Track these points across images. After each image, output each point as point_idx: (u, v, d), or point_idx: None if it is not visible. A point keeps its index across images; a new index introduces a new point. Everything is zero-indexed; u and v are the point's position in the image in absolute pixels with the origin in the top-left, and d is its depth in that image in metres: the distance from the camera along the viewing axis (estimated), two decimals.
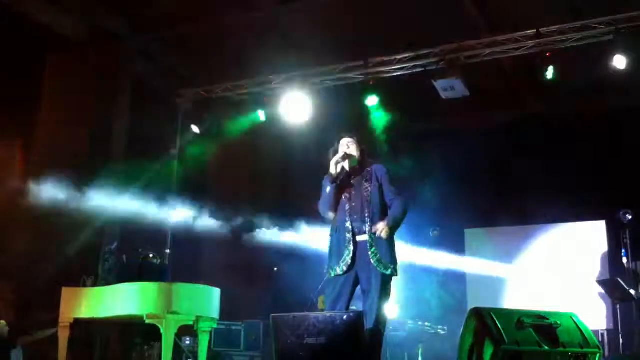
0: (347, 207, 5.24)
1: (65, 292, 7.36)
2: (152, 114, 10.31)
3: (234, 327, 9.55)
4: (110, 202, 9.05)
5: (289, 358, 5.26)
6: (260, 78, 10.47)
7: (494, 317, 4.52)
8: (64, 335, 7.21)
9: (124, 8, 9.59)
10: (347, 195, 5.28)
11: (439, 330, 9.01)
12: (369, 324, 5.00)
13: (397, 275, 5.17)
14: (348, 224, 5.19)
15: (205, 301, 6.85)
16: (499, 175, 10.75)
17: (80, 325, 7.34)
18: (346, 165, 5.31)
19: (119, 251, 8.54)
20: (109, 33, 9.90)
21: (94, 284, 7.54)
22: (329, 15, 9.44)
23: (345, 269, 5.15)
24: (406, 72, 9.67)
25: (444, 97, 9.53)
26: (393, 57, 9.66)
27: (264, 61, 10.20)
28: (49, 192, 8.71)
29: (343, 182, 5.32)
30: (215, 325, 7.19)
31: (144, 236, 9.18)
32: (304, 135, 10.67)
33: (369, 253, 5.11)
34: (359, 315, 5.75)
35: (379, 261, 5.08)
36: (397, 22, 9.29)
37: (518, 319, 4.56)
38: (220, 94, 10.87)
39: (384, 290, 5.11)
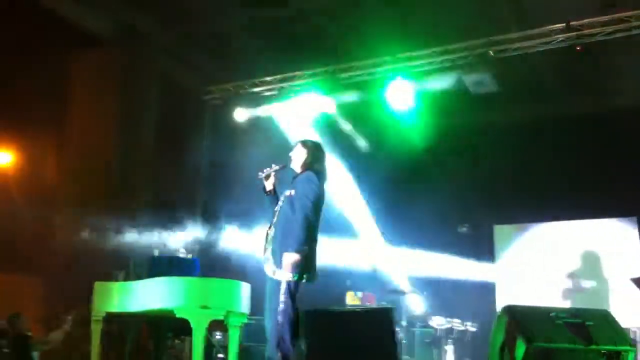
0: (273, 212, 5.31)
1: (97, 286, 7.44)
2: (180, 110, 10.39)
3: (263, 322, 9.56)
4: (140, 197, 9.15)
5: (319, 352, 5.30)
6: (286, 74, 10.52)
7: (525, 314, 4.50)
8: (96, 329, 7.28)
9: (152, 5, 9.64)
10: (281, 199, 5.31)
11: (468, 327, 8.96)
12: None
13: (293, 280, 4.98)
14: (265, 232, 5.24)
15: (235, 296, 6.87)
16: (529, 171, 10.62)
17: (112, 320, 7.42)
18: (267, 183, 5.37)
19: (150, 246, 8.60)
20: (137, 30, 9.98)
21: (126, 279, 7.62)
22: (357, 11, 9.41)
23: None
24: (435, 67, 9.63)
25: (473, 92, 9.47)
26: (421, 52, 9.62)
27: (292, 57, 10.22)
28: (81, 187, 8.83)
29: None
30: (245, 320, 7.20)
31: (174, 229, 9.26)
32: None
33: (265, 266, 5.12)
34: (389, 311, 5.78)
35: (273, 273, 5.05)
36: (425, 18, 9.23)
37: (550, 316, 4.52)
38: (248, 89, 10.93)
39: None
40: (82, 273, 8.47)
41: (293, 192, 5.17)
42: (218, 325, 7.21)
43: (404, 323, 8.43)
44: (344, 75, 10.15)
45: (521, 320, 4.45)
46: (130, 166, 9.45)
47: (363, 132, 11.22)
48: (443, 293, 10.02)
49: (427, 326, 8.78)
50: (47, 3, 9.01)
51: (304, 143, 5.41)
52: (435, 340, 8.66)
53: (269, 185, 5.40)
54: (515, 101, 10.72)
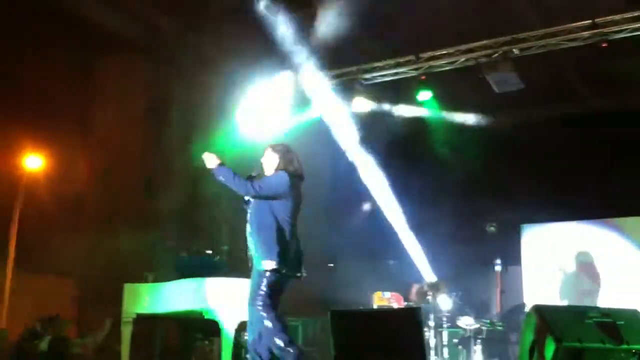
0: None
1: (127, 288, 7.54)
2: (205, 111, 10.46)
3: (291, 323, 9.62)
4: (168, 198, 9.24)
5: (347, 353, 5.32)
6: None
7: (555, 314, 4.48)
8: (126, 331, 7.39)
9: (175, 6, 9.69)
10: None
11: (497, 327, 8.90)
12: None
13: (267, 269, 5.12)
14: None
15: None
16: (557, 170, 10.55)
17: (142, 321, 7.51)
18: None
19: (179, 247, 8.70)
20: (161, 31, 10.05)
21: (155, 280, 7.71)
22: (379, 10, 9.39)
23: None
24: (458, 65, 9.60)
25: (497, 90, 9.43)
26: (444, 51, 9.60)
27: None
28: (110, 191, 8.94)
29: None
30: None
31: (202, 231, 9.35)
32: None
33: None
34: (416, 311, 5.79)
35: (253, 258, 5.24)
36: (448, 15, 9.20)
37: (580, 316, 4.49)
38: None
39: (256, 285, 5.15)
40: (113, 274, 8.60)
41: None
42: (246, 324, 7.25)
43: (431, 323, 8.41)
44: (367, 75, 10.15)
45: (551, 320, 4.43)
46: (157, 167, 9.54)
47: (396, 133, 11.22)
48: (472, 293, 10.00)
49: (455, 326, 8.75)
50: (73, 7, 9.11)
51: (273, 147, 5.51)
52: (464, 341, 8.63)
53: None
54: (540, 99, 10.65)
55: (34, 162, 9.23)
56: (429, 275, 9.90)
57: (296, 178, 5.38)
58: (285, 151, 5.46)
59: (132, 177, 9.54)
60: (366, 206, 11.74)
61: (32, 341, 7.23)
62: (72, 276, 9.84)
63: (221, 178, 5.22)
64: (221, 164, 5.22)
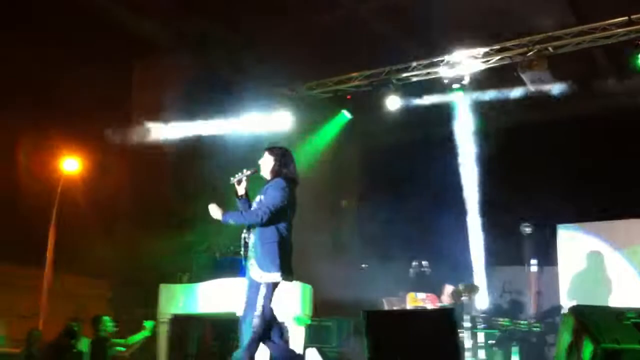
0: None
1: (163, 288, 7.62)
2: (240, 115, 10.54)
3: (325, 324, 9.65)
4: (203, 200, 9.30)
5: (381, 353, 5.31)
6: (341, 76, 10.58)
7: (592, 315, 4.41)
8: (162, 331, 7.47)
9: (210, 11, 9.77)
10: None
11: (533, 328, 8.81)
12: None
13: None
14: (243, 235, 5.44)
15: (298, 297, 6.95)
16: (592, 169, 10.40)
17: (178, 321, 7.58)
18: (239, 188, 5.54)
19: (212, 248, 8.77)
20: (196, 37, 10.14)
21: (189, 281, 7.78)
22: (412, 10, 9.37)
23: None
24: (492, 65, 9.53)
25: (532, 88, 9.34)
26: (479, 50, 9.54)
27: (346, 59, 10.26)
28: (145, 192, 9.04)
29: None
30: (308, 322, 7.28)
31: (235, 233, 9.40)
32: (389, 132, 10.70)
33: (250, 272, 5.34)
34: (451, 312, 5.75)
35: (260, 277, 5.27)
36: (481, 13, 9.14)
37: (618, 317, 4.42)
38: (305, 92, 11.02)
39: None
40: (148, 276, 8.71)
41: (262, 197, 5.39)
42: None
43: (467, 324, 8.35)
44: (402, 75, 10.14)
45: (588, 321, 4.37)
46: (192, 170, 9.62)
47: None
48: (506, 294, 9.92)
49: (491, 327, 8.68)
50: (111, 12, 9.24)
51: (271, 150, 5.62)
52: (500, 342, 8.56)
53: (240, 189, 5.59)
54: (576, 96, 10.50)
55: (71, 164, 9.36)
56: (473, 276, 9.91)
57: (292, 182, 5.50)
58: (281, 154, 5.59)
59: (165, 179, 9.63)
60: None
61: (69, 341, 7.32)
62: (108, 277, 9.97)
63: (231, 222, 5.38)
64: (225, 212, 5.36)
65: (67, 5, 8.53)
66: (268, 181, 5.50)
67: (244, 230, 5.43)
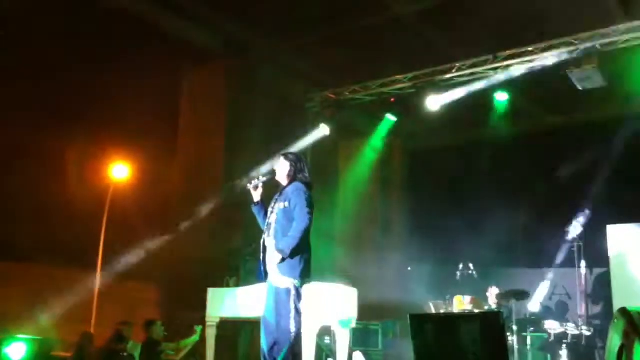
0: (266, 224, 5.50)
1: (211, 292, 7.71)
2: (283, 118, 10.60)
3: (371, 327, 9.63)
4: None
5: (427, 357, 5.28)
6: (384, 78, 10.56)
7: None
8: (211, 334, 7.55)
9: (255, 17, 9.85)
10: (271, 210, 5.50)
11: (583, 331, 8.64)
12: None
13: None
14: (262, 240, 5.44)
15: (343, 301, 6.95)
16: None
17: (226, 324, 7.66)
18: (255, 194, 5.58)
19: (258, 252, 8.82)
20: (241, 43, 10.24)
21: (237, 285, 7.84)
22: (454, 10, 9.29)
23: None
24: (539, 64, 9.38)
25: (580, 88, 9.18)
26: (524, 49, 9.41)
27: (390, 61, 10.24)
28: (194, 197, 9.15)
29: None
30: (354, 325, 7.28)
31: None
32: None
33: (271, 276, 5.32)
34: (498, 315, 5.69)
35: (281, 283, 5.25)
36: (527, 12, 9.01)
37: None
38: (349, 95, 11.03)
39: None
40: (196, 280, 8.82)
41: (287, 204, 5.38)
42: (327, 329, 7.31)
43: (515, 327, 8.24)
44: (447, 76, 10.08)
45: (639, 323, 4.28)
46: (239, 177, 9.71)
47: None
48: (556, 296, 9.76)
49: (540, 331, 8.55)
50: (159, 22, 9.39)
51: (286, 156, 5.65)
52: (549, 346, 8.42)
53: (257, 196, 5.64)
54: (622, 95, 10.28)
55: (120, 171, 9.53)
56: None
57: (309, 187, 5.53)
58: (297, 160, 5.63)
59: (213, 186, 9.74)
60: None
61: (119, 346, 7.45)
62: (157, 281, 10.13)
63: (291, 249, 5.24)
64: (280, 249, 5.26)
65: (117, 14, 8.73)
66: (284, 186, 5.54)
67: (264, 235, 5.47)
